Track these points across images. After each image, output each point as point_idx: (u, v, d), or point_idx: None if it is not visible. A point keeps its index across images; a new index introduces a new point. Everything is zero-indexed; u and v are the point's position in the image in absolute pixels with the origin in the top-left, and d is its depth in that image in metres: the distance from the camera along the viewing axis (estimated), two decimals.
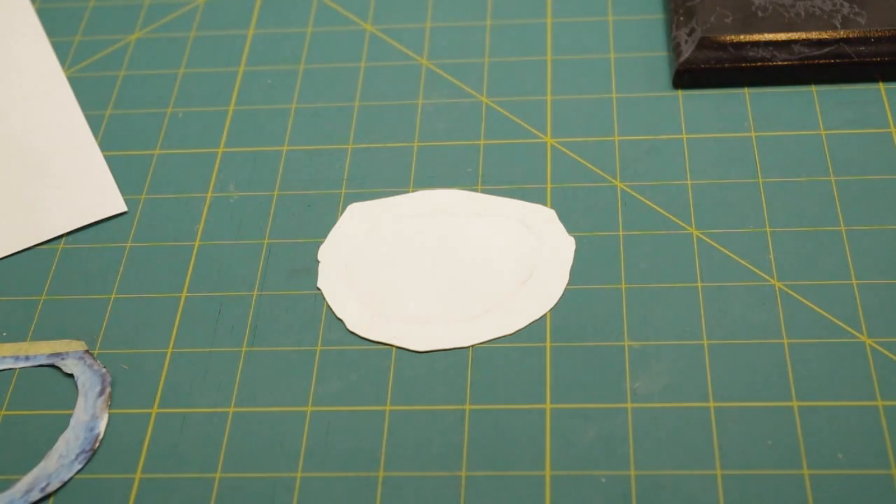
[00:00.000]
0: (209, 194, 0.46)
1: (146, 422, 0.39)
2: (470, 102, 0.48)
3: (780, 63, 0.46)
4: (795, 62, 0.46)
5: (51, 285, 0.43)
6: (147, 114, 0.49)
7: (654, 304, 0.40)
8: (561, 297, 0.41)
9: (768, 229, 0.42)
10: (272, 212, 0.45)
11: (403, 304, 0.41)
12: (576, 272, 0.42)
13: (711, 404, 0.38)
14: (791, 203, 0.43)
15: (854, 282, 0.40)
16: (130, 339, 0.41)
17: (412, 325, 0.41)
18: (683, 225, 0.43)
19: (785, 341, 0.39)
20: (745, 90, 0.47)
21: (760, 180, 0.44)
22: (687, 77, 0.47)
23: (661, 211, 0.43)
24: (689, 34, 0.47)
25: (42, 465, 0.38)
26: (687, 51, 0.47)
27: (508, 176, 0.45)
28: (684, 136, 0.45)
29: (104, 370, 0.40)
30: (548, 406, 0.38)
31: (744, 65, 0.46)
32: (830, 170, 0.44)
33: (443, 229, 0.43)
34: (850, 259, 0.41)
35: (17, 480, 0.38)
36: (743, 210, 0.43)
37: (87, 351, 0.41)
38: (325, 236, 0.44)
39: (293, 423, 0.39)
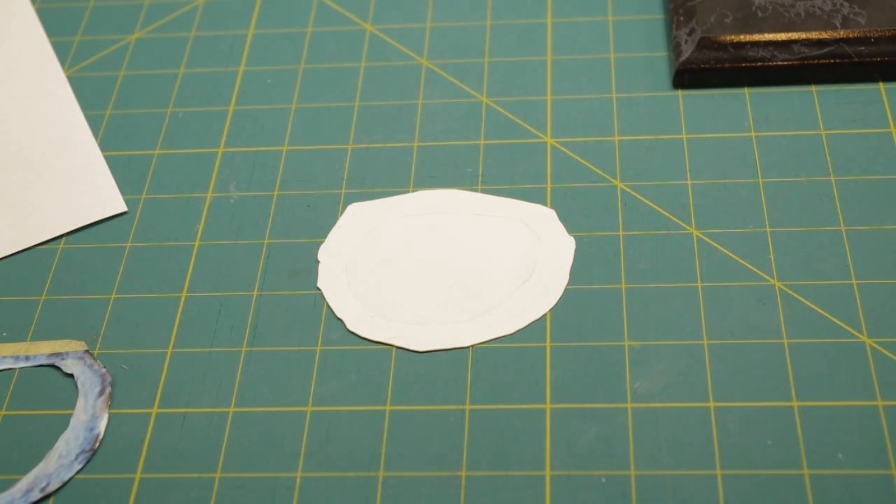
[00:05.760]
0: (209, 194, 0.46)
1: (146, 422, 0.39)
2: (470, 102, 0.48)
3: (780, 63, 0.46)
4: (795, 62, 0.46)
5: (51, 285, 0.43)
6: (147, 114, 0.49)
7: (654, 304, 0.40)
8: (561, 297, 0.41)
9: (768, 229, 0.42)
10: (272, 212, 0.45)
11: (403, 304, 0.41)
12: (576, 272, 0.42)
13: (711, 404, 0.38)
14: (791, 203, 0.43)
15: (854, 282, 0.40)
16: (130, 339, 0.41)
17: (412, 325, 0.41)
18: (683, 225, 0.43)
19: (785, 341, 0.39)
20: (745, 90, 0.47)
21: (760, 180, 0.44)
22: (687, 77, 0.47)
23: (661, 211, 0.43)
24: (689, 34, 0.47)
25: (42, 465, 0.38)
26: (687, 51, 0.47)
27: (508, 176, 0.45)
28: (684, 136, 0.45)
29: (104, 370, 0.40)
30: (548, 406, 0.38)
31: (744, 65, 0.46)
32: (830, 170, 0.44)
33: (443, 229, 0.43)
34: (850, 259, 0.41)
35: (17, 480, 0.38)
36: (743, 210, 0.43)
37: (87, 351, 0.41)
38: (325, 236, 0.44)
39: (293, 423, 0.39)
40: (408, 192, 0.45)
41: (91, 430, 0.39)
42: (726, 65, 0.46)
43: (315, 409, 0.39)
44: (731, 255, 0.42)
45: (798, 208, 0.43)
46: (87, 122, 0.49)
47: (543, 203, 0.44)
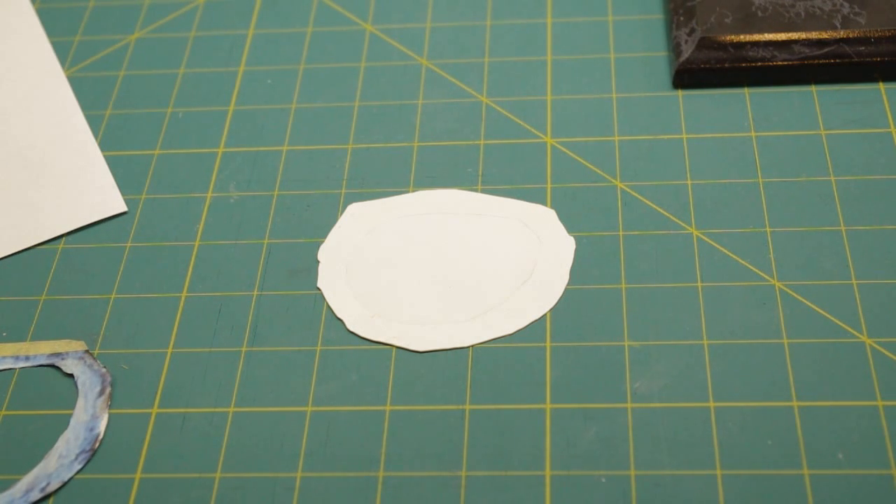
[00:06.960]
0: (209, 194, 0.46)
1: (146, 422, 0.39)
2: (470, 102, 0.48)
3: (780, 63, 0.46)
4: (795, 62, 0.46)
5: (51, 285, 0.43)
6: (147, 114, 0.49)
7: (654, 304, 0.40)
8: (561, 297, 0.41)
9: (768, 229, 0.42)
10: (272, 212, 0.45)
11: (403, 304, 0.41)
12: (576, 272, 0.42)
13: (711, 404, 0.38)
14: (791, 203, 0.43)
15: (854, 282, 0.40)
16: (130, 339, 0.41)
17: (412, 325, 0.41)
18: (683, 225, 0.43)
19: (785, 341, 0.39)
20: (745, 90, 0.47)
21: (760, 180, 0.44)
22: (687, 77, 0.47)
23: (661, 211, 0.43)
24: (689, 34, 0.47)
25: (42, 465, 0.38)
26: (687, 51, 0.47)
27: (508, 176, 0.45)
28: (684, 136, 0.45)
29: (104, 370, 0.40)
30: (548, 406, 0.38)
31: (744, 65, 0.46)
32: (830, 170, 0.44)
33: (443, 229, 0.43)
34: (850, 259, 0.41)
35: (17, 480, 0.38)
36: (743, 210, 0.43)
37: (87, 351, 0.41)
38: (325, 236, 0.44)
39: (293, 423, 0.39)
40: (408, 192, 0.45)
41: (91, 430, 0.39)
42: (726, 65, 0.46)
43: (315, 409, 0.39)
44: (731, 255, 0.42)
45: (798, 208, 0.43)
46: (87, 122, 0.49)
47: (543, 203, 0.44)
